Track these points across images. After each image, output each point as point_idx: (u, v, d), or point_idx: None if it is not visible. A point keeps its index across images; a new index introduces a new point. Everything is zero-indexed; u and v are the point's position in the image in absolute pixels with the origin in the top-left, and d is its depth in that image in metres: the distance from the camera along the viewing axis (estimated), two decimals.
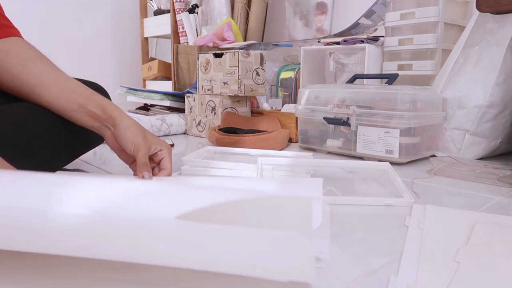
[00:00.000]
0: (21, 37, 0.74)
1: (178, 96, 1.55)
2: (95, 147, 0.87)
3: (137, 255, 0.33)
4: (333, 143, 1.06)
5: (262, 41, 1.97)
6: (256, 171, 0.75)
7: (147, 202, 0.35)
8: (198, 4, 2.00)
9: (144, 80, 2.24)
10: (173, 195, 0.37)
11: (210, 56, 1.39)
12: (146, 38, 2.31)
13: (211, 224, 0.31)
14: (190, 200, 0.35)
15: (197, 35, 1.96)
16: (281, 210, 0.37)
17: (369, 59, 1.26)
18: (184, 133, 1.47)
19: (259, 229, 0.31)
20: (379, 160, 0.95)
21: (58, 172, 0.78)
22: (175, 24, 2.03)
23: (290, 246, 0.31)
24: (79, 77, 0.92)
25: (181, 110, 1.57)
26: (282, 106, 1.41)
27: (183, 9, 2.00)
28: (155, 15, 2.21)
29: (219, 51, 1.38)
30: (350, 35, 1.39)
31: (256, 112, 1.41)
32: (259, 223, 0.36)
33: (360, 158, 0.99)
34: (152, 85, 2.16)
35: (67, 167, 0.88)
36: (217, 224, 0.31)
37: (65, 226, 0.32)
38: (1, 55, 0.70)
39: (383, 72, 1.30)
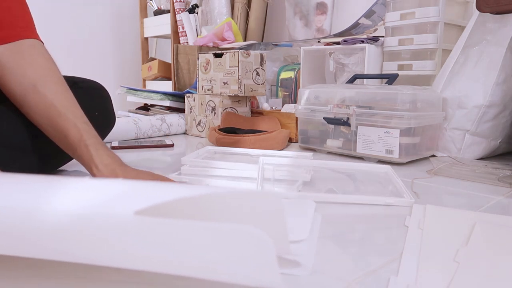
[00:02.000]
0: (33, 37, 0.72)
1: (178, 96, 1.55)
2: None
3: (92, 256, 0.31)
4: (333, 143, 1.06)
5: (262, 41, 1.97)
6: (258, 171, 0.75)
7: (112, 199, 0.32)
8: (198, 4, 2.00)
9: (144, 80, 2.24)
10: (136, 191, 0.34)
11: (210, 56, 1.39)
12: (146, 38, 2.31)
13: (162, 218, 0.28)
14: (150, 195, 0.32)
15: (197, 35, 1.96)
16: (249, 207, 0.35)
17: (369, 59, 1.26)
18: (184, 133, 1.47)
19: (209, 222, 0.28)
20: (379, 160, 0.95)
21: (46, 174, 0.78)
22: (175, 24, 2.03)
23: (246, 243, 0.28)
24: (79, 77, 0.92)
25: (181, 110, 1.57)
26: (282, 106, 1.41)
27: (183, 9, 2.00)
28: (155, 15, 2.21)
29: (219, 51, 1.38)
30: (350, 35, 1.39)
31: (256, 112, 1.40)
32: (221, 219, 0.33)
33: (360, 158, 0.99)
34: (152, 85, 2.16)
35: (65, 167, 0.88)
36: (173, 218, 0.28)
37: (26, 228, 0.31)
38: (8, 66, 0.67)
39: (383, 72, 1.30)
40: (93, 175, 0.63)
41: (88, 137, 0.64)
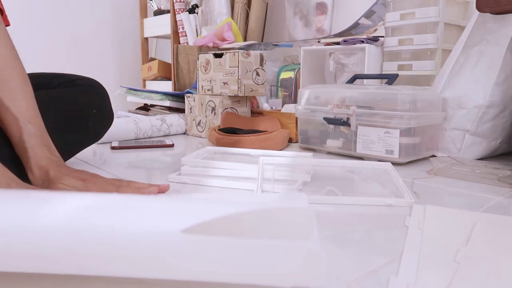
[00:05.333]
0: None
1: (178, 96, 1.55)
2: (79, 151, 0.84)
3: (143, 271, 0.33)
4: (333, 143, 1.06)
5: (262, 41, 1.97)
6: (258, 171, 0.75)
7: (150, 216, 0.34)
8: (198, 4, 2.00)
9: (144, 80, 2.24)
10: (174, 208, 0.36)
11: (210, 56, 1.39)
12: (146, 38, 2.31)
13: (221, 237, 0.31)
14: (193, 213, 0.35)
15: (197, 35, 1.96)
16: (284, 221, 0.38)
17: (369, 59, 1.26)
18: (184, 133, 1.47)
19: (270, 240, 0.31)
20: (379, 160, 0.95)
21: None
22: (175, 24, 2.03)
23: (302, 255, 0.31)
24: (76, 75, 0.92)
25: (181, 110, 1.57)
26: (282, 106, 1.41)
27: (183, 9, 2.00)
28: (155, 15, 2.21)
29: (219, 51, 1.38)
30: (350, 35, 1.39)
31: (256, 112, 1.40)
32: (265, 234, 0.36)
33: (360, 158, 0.99)
34: (152, 85, 2.16)
35: None
36: (225, 236, 0.31)
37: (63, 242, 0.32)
38: None
39: (383, 72, 1.30)
40: (29, 179, 0.61)
41: (28, 138, 0.61)
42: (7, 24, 0.71)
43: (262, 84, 1.38)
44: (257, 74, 1.36)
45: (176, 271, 0.32)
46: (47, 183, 0.59)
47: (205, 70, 1.41)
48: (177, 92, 1.57)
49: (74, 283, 0.35)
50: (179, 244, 0.31)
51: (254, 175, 0.77)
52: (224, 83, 1.35)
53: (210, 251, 0.31)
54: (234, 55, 1.31)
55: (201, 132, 1.40)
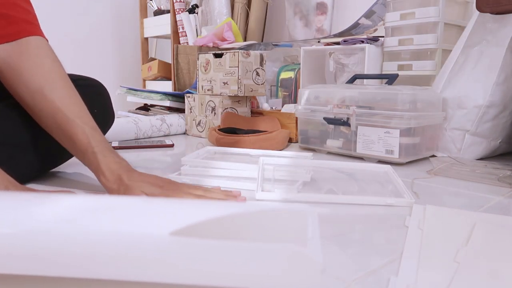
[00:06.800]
0: (38, 34, 0.72)
1: (178, 96, 1.55)
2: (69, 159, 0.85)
3: (131, 273, 0.33)
4: (333, 144, 1.06)
5: (262, 41, 1.97)
6: (258, 171, 0.75)
7: (138, 218, 0.34)
8: (198, 4, 2.00)
9: (144, 80, 2.24)
10: (163, 210, 0.36)
11: (210, 56, 1.39)
12: (146, 38, 2.31)
13: (210, 240, 0.30)
14: (182, 216, 0.34)
15: (197, 35, 1.96)
16: (277, 224, 0.37)
17: (369, 59, 1.26)
18: (184, 133, 1.47)
19: (263, 243, 0.31)
20: (379, 160, 0.95)
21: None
22: (175, 24, 2.03)
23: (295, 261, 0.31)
24: (77, 75, 0.92)
25: (181, 110, 1.57)
26: (282, 106, 1.41)
27: (183, 9, 2.00)
28: (155, 15, 2.21)
29: (219, 51, 1.38)
30: (350, 35, 1.39)
31: (256, 112, 1.40)
32: (257, 237, 0.36)
33: (360, 158, 0.99)
34: (152, 85, 2.16)
35: (64, 169, 0.87)
36: (215, 239, 0.30)
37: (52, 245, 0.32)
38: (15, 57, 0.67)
39: (383, 72, 1.30)
40: (101, 182, 0.64)
41: (96, 144, 0.64)
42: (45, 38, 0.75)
43: (262, 84, 1.38)
44: (257, 74, 1.36)
45: (164, 273, 0.32)
46: (123, 189, 0.60)
47: (205, 70, 1.41)
48: (177, 92, 1.57)
49: (61, 285, 0.35)
50: (167, 247, 0.31)
51: (254, 175, 0.77)
52: (224, 83, 1.35)
53: (197, 254, 0.31)
54: (234, 55, 1.31)
55: (201, 132, 1.40)
